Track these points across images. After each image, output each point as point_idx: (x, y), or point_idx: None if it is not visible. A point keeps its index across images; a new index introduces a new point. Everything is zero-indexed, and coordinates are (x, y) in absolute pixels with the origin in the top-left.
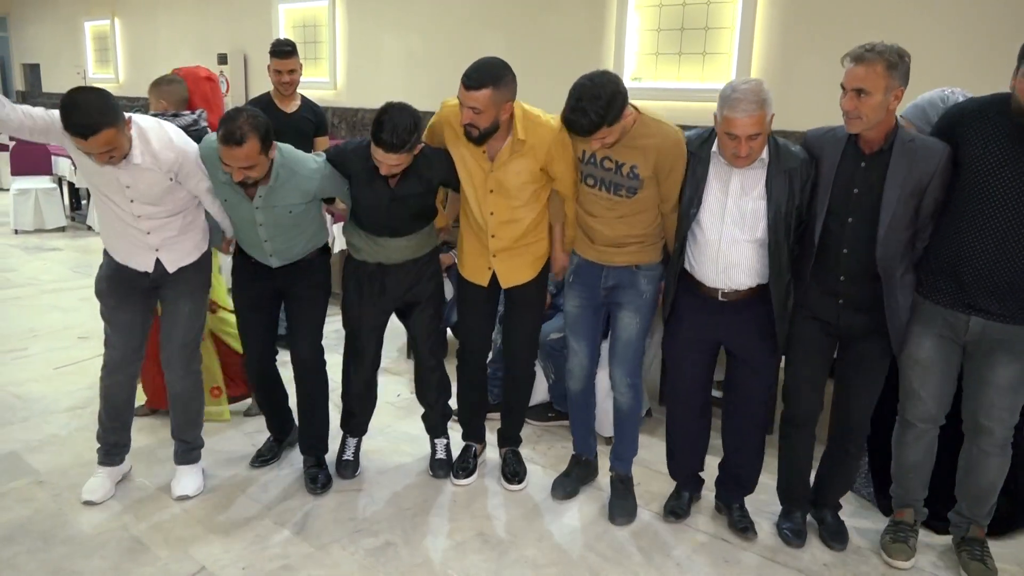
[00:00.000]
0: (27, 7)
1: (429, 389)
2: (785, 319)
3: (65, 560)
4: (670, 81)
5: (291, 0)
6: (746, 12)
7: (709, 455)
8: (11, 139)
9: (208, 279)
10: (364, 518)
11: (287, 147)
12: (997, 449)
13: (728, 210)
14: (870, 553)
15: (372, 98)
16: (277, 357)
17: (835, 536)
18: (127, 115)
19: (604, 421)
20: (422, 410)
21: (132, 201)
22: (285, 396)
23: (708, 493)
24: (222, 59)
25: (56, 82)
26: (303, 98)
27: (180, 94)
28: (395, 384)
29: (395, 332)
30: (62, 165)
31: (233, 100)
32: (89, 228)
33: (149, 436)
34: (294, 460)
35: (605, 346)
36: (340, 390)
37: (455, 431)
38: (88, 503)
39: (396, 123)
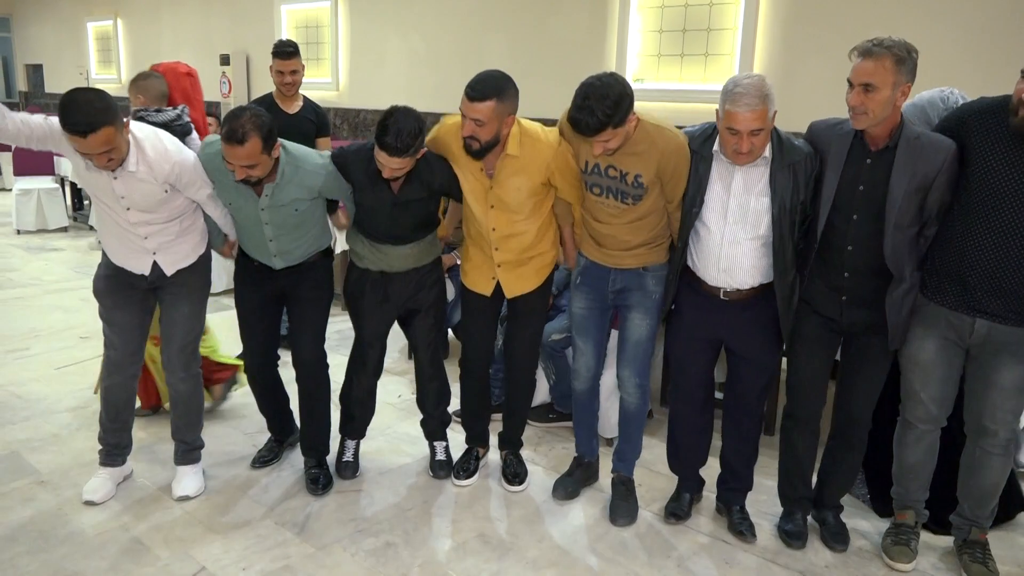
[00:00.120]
0: (30, 7)
1: (428, 397)
2: (789, 316)
3: (66, 560)
4: (672, 82)
5: (293, 1)
6: (748, 13)
7: (710, 455)
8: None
9: (207, 281)
10: (365, 519)
11: (292, 144)
12: (1000, 450)
13: (730, 208)
14: (871, 555)
15: (374, 99)
16: (279, 359)
17: (836, 537)
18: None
19: (606, 423)
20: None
21: (128, 209)
22: (286, 398)
23: (709, 494)
24: (224, 60)
25: (59, 82)
26: (305, 99)
27: (159, 89)
28: (396, 385)
29: (396, 333)
30: (64, 165)
31: (235, 101)
32: (91, 228)
33: (150, 436)
34: (295, 461)
35: (609, 346)
36: (340, 391)
37: (456, 432)
38: (89, 503)
39: (401, 127)
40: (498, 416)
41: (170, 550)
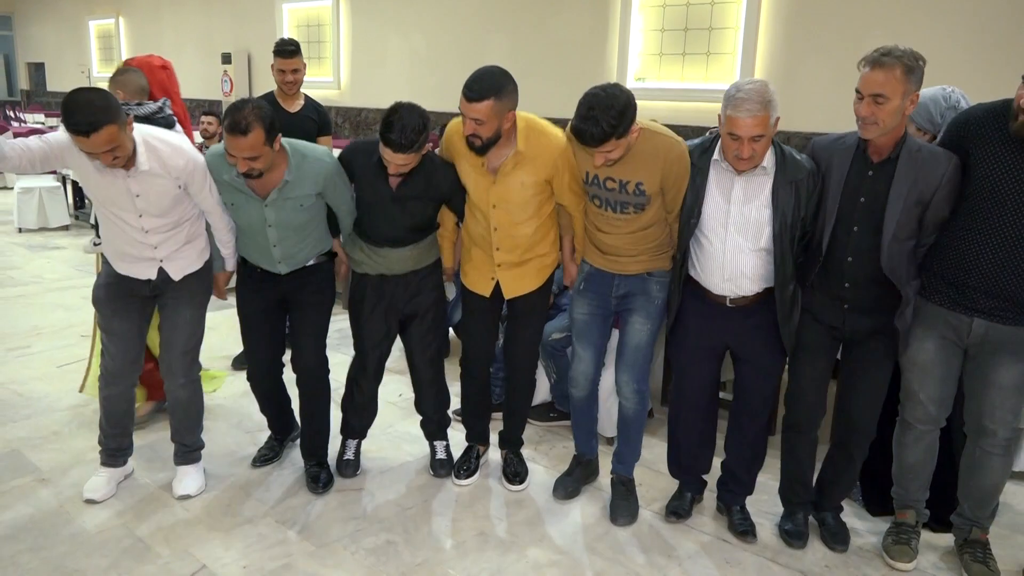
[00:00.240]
0: (32, 6)
1: (426, 401)
2: (789, 327)
3: (66, 558)
4: (674, 81)
5: (295, 0)
6: (750, 12)
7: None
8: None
9: (209, 286)
10: (366, 517)
11: (295, 140)
12: (1000, 450)
13: (732, 217)
14: (872, 555)
15: (375, 98)
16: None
17: (836, 537)
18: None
19: (606, 422)
20: None
21: (141, 216)
22: (288, 400)
23: (710, 493)
24: (226, 58)
25: (60, 81)
26: (307, 98)
27: (137, 83)
28: (397, 384)
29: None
30: None
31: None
32: (93, 227)
33: (150, 435)
34: (296, 460)
35: (608, 347)
36: (342, 399)
37: (456, 431)
38: (90, 501)
39: (405, 123)
40: (498, 415)
41: (171, 548)
